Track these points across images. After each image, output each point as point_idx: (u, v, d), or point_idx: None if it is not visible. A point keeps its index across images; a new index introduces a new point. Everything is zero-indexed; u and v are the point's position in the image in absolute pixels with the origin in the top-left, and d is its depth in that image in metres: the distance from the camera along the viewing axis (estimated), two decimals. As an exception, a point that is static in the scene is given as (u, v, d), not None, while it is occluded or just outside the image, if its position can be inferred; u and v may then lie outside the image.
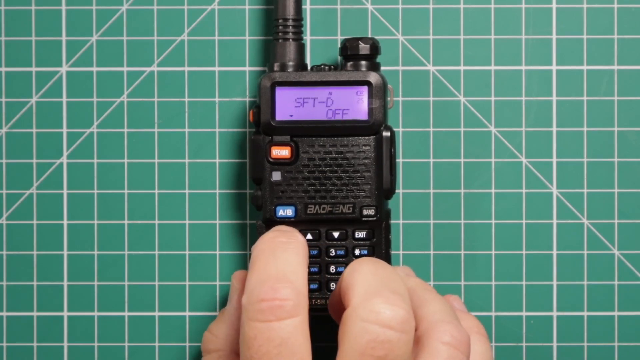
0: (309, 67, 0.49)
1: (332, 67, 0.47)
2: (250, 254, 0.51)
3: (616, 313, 0.50)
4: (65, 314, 0.51)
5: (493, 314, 0.51)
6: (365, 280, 0.41)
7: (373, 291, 0.40)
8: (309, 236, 0.47)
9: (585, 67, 0.51)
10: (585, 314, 0.51)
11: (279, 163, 0.46)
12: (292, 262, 0.41)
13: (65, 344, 0.51)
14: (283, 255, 0.42)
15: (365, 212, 0.46)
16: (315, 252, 0.47)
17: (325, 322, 0.46)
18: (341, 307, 0.42)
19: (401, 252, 0.51)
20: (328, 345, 0.49)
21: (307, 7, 0.51)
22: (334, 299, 0.44)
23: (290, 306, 0.40)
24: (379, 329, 0.39)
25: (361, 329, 0.39)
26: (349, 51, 0.47)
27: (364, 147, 0.46)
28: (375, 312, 0.39)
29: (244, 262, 0.51)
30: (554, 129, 0.51)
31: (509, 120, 0.51)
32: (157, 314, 0.51)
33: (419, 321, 0.42)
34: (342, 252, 0.47)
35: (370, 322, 0.39)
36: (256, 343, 0.40)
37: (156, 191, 0.51)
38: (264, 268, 0.41)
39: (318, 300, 0.47)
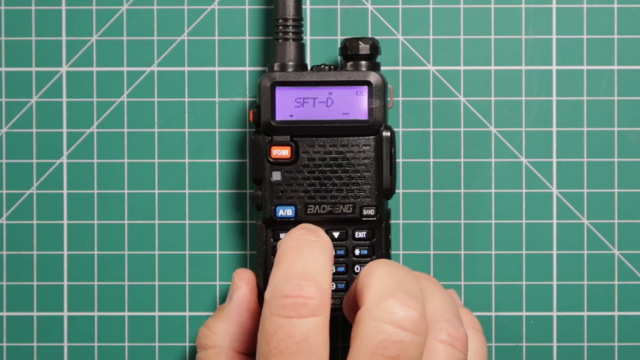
0: (309, 67, 0.49)
1: (332, 67, 0.47)
2: (251, 254, 0.51)
3: (616, 313, 0.50)
4: (65, 314, 0.51)
5: (493, 314, 0.51)
6: (380, 281, 0.41)
7: (388, 292, 0.40)
8: (309, 236, 0.47)
9: (585, 67, 0.51)
10: (585, 314, 0.51)
11: (279, 163, 0.46)
12: (318, 262, 0.42)
13: (65, 344, 0.51)
14: (310, 253, 0.42)
15: (365, 212, 0.46)
16: (315, 252, 0.47)
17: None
18: (356, 308, 0.42)
19: (401, 252, 0.51)
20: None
21: (307, 7, 0.51)
22: (349, 299, 0.44)
23: (314, 305, 0.40)
24: (392, 329, 0.39)
25: (374, 328, 0.39)
26: (349, 51, 0.47)
27: (364, 147, 0.46)
28: (389, 312, 0.40)
29: (244, 262, 0.51)
30: (554, 129, 0.51)
31: (509, 120, 0.51)
32: (157, 314, 0.51)
33: None
34: (342, 252, 0.47)
35: (383, 321, 0.39)
36: (276, 338, 0.40)
37: (156, 191, 0.51)
38: (291, 264, 0.41)
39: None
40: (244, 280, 0.47)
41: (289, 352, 0.40)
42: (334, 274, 0.47)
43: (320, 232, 0.44)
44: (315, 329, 0.40)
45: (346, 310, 0.45)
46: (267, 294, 0.41)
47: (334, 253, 0.44)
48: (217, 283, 0.51)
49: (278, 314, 0.40)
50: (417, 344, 0.40)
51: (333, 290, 0.46)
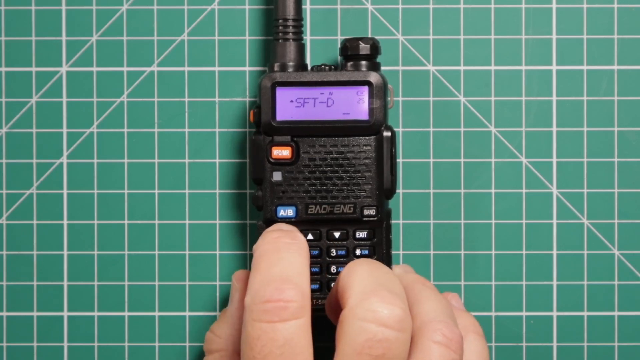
0: (309, 67, 0.49)
1: (333, 67, 0.47)
2: (251, 254, 0.51)
3: (616, 313, 0.51)
4: (65, 314, 0.51)
5: (493, 314, 0.51)
6: (361, 281, 0.41)
7: (370, 291, 0.40)
8: (310, 236, 0.47)
9: (585, 67, 0.51)
10: (585, 314, 0.51)
11: (280, 163, 0.46)
12: (296, 264, 0.41)
13: (65, 344, 0.51)
14: (287, 256, 0.42)
15: (366, 212, 0.46)
16: (316, 252, 0.47)
17: (328, 321, 0.46)
18: (338, 308, 0.42)
19: (401, 252, 0.51)
20: (325, 345, 0.49)
21: (307, 7, 0.51)
22: (331, 300, 0.44)
23: (295, 308, 0.40)
24: (376, 328, 0.39)
25: (358, 328, 0.39)
26: (349, 51, 0.47)
27: (364, 147, 0.46)
28: (372, 311, 0.40)
29: (244, 262, 0.51)
30: (554, 129, 0.51)
31: (509, 120, 0.51)
32: (157, 314, 0.51)
33: (412, 319, 0.42)
34: (343, 252, 0.47)
35: (367, 321, 0.39)
36: (259, 343, 0.40)
37: (156, 191, 0.51)
38: (269, 269, 0.41)
39: (319, 301, 0.47)
40: (242, 282, 0.47)
41: (273, 356, 0.40)
42: (334, 274, 0.47)
43: (295, 233, 0.44)
44: (298, 332, 0.40)
45: (329, 312, 0.45)
46: (248, 299, 0.41)
47: (309, 253, 0.44)
48: (217, 283, 0.51)
49: (260, 319, 0.40)
50: (402, 341, 0.40)
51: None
